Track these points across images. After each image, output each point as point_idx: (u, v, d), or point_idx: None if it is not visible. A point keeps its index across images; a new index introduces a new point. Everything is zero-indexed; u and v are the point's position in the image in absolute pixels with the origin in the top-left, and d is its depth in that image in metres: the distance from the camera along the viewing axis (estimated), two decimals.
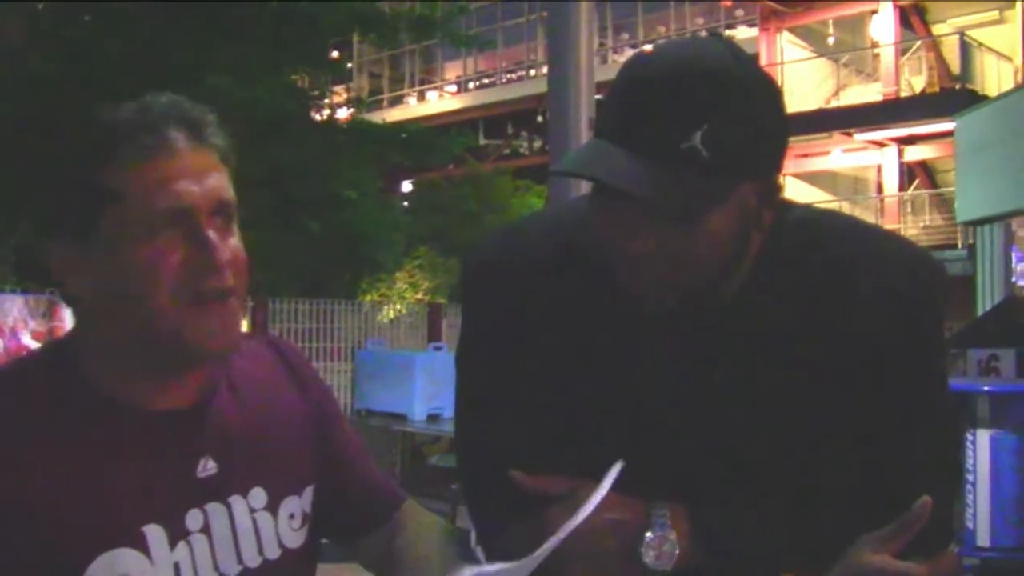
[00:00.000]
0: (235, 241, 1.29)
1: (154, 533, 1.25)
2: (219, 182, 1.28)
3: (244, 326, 1.35)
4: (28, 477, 1.20)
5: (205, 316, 1.25)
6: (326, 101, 17.45)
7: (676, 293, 1.31)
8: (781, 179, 1.34)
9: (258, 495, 1.37)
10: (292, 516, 1.40)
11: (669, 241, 1.26)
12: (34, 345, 8.15)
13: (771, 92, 1.29)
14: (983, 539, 3.14)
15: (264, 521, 1.36)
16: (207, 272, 1.24)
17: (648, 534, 1.32)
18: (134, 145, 1.23)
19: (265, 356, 1.50)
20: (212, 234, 1.25)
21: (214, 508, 1.32)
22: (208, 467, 1.32)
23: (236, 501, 1.34)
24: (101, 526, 1.22)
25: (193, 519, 1.29)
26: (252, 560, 1.34)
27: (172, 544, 1.27)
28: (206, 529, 1.30)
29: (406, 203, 27.08)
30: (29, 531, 1.19)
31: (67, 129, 1.29)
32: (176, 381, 1.31)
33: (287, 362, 1.51)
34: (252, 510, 1.35)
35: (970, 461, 3.17)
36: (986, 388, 3.51)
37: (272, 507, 1.38)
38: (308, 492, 1.43)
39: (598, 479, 1.34)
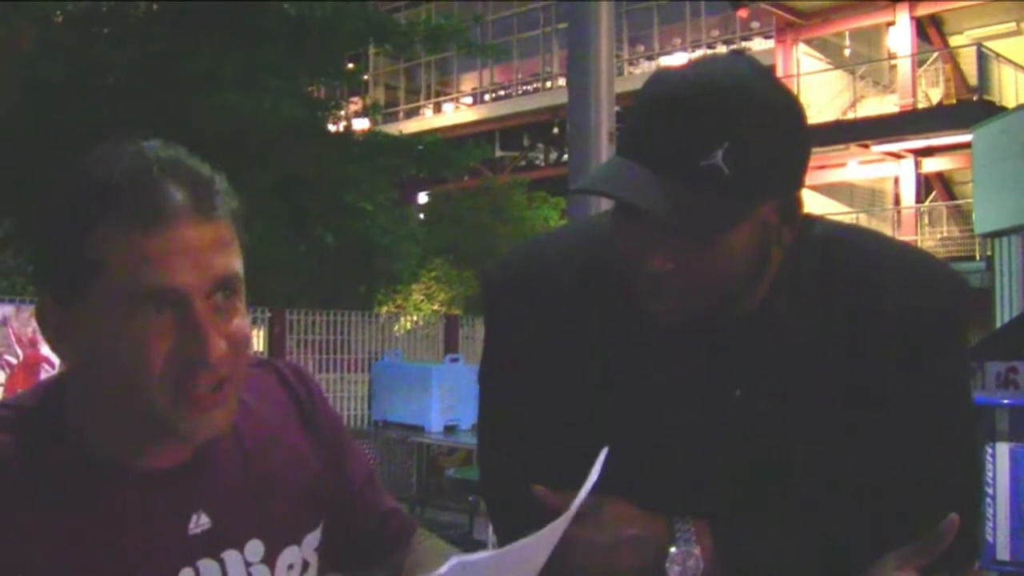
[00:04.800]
0: (237, 320, 1.16)
1: None
2: (222, 259, 1.13)
3: (260, 341, 1.26)
4: (6, 541, 1.11)
5: (196, 409, 1.14)
6: (341, 112, 17.49)
7: (693, 310, 1.31)
8: (801, 196, 1.34)
9: (255, 548, 1.28)
10: (291, 567, 1.32)
11: (688, 259, 1.26)
12: (52, 355, 8.18)
13: (793, 110, 1.29)
14: (1003, 552, 3.12)
15: (261, 575, 1.29)
16: (198, 368, 1.11)
17: (672, 549, 1.32)
18: (126, 210, 1.09)
19: (273, 391, 1.39)
20: (207, 323, 1.11)
21: (206, 565, 1.23)
22: (201, 522, 1.23)
23: (230, 556, 1.25)
24: None
25: None
26: None
27: None
28: None
29: (422, 215, 27.12)
30: None
31: (57, 183, 1.14)
32: (169, 446, 1.21)
33: (295, 395, 1.41)
34: (248, 564, 1.27)
35: (989, 474, 3.15)
36: (1005, 401, 3.49)
37: (269, 560, 1.29)
38: (310, 539, 1.36)
39: (620, 495, 1.34)
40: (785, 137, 1.27)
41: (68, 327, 1.15)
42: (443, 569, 1.02)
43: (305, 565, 1.35)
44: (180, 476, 1.22)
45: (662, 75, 1.30)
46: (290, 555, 1.32)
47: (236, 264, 1.16)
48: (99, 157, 1.13)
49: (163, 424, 1.14)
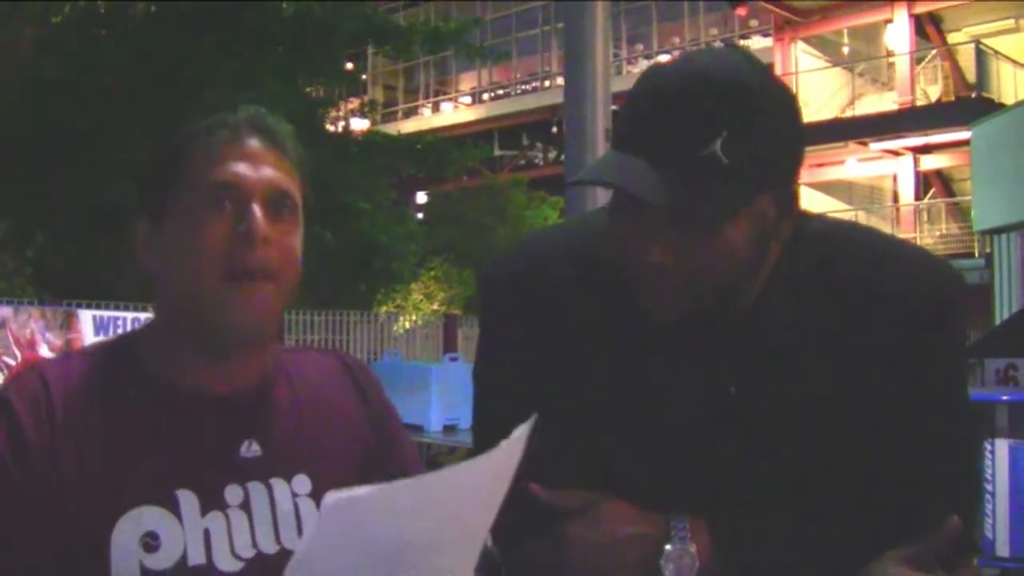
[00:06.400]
0: (290, 237, 1.35)
1: (186, 497, 1.30)
2: (280, 176, 1.35)
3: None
4: (67, 437, 1.27)
5: (234, 296, 1.30)
6: (340, 113, 17.49)
7: (692, 305, 1.30)
8: (799, 188, 1.33)
9: (302, 481, 1.39)
10: None
11: (687, 251, 1.25)
12: (51, 357, 8.18)
13: (788, 101, 1.29)
14: (1002, 549, 3.11)
15: (307, 507, 1.38)
16: (244, 248, 1.29)
17: (668, 546, 1.31)
18: (210, 131, 1.35)
19: (330, 366, 1.55)
20: (257, 211, 1.31)
21: (255, 487, 1.35)
22: (251, 449, 1.37)
23: (278, 483, 1.37)
24: (133, 486, 1.28)
25: (232, 494, 1.34)
26: (291, 542, 1.36)
27: (204, 511, 1.30)
28: (246, 506, 1.34)
29: (421, 214, 27.12)
30: (64, 490, 1.25)
31: (165, 131, 1.42)
32: (222, 366, 1.37)
33: (352, 374, 1.55)
34: (295, 495, 1.38)
35: (989, 471, 3.15)
36: (1005, 398, 3.48)
37: (316, 496, 1.38)
38: None
39: (616, 492, 1.34)
40: (781, 127, 1.27)
41: (153, 238, 1.36)
42: (321, 511, 1.00)
43: None
44: (233, 405, 1.37)
45: (656, 69, 1.30)
46: None
47: (293, 188, 1.37)
48: (206, 115, 1.39)
49: (203, 312, 1.30)
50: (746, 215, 1.26)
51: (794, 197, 1.32)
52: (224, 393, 1.37)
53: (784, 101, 1.28)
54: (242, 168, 1.33)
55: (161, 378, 1.35)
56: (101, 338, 8.14)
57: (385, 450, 1.52)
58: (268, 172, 1.34)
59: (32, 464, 1.25)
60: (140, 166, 1.42)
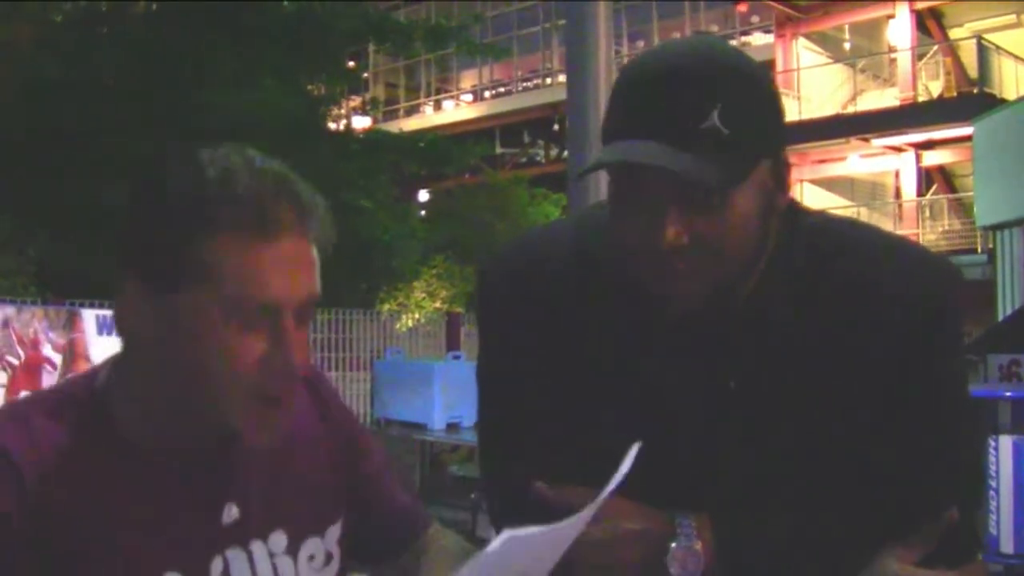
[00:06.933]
0: (306, 332, 1.24)
1: None
2: (311, 279, 1.22)
3: None
4: (49, 523, 1.15)
5: (262, 415, 1.21)
6: (341, 111, 17.47)
7: (708, 287, 1.30)
8: (788, 158, 1.35)
9: (278, 539, 1.34)
10: (312, 558, 1.38)
11: (701, 228, 1.26)
12: (54, 356, 8.18)
13: (760, 72, 1.32)
14: (1006, 545, 3.10)
15: (284, 566, 1.34)
16: (279, 375, 1.19)
17: (673, 544, 1.31)
18: (237, 219, 1.16)
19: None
20: (293, 338, 1.19)
21: (235, 554, 1.29)
22: (232, 513, 1.29)
23: (256, 546, 1.31)
24: (121, 574, 1.19)
25: (216, 567, 1.26)
26: None
27: None
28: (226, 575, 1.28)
29: (423, 212, 27.13)
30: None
31: (170, 181, 1.19)
32: (206, 434, 1.26)
33: (318, 396, 1.48)
34: (272, 554, 1.33)
35: (992, 467, 3.14)
36: (1008, 394, 3.47)
37: (292, 550, 1.35)
38: (332, 531, 1.41)
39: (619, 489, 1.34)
40: (764, 95, 1.30)
41: (149, 309, 1.18)
42: (495, 545, 1.01)
43: (328, 557, 1.40)
44: (211, 468, 1.28)
45: (635, 61, 1.32)
46: (312, 546, 1.38)
47: (318, 283, 1.24)
48: (212, 161, 1.19)
49: (224, 425, 1.20)
50: (750, 186, 1.27)
51: (786, 168, 1.34)
52: (202, 457, 1.27)
53: (758, 72, 1.31)
54: (281, 282, 1.18)
55: (140, 444, 1.23)
56: (104, 338, 8.14)
57: (353, 472, 1.48)
58: (304, 281, 1.21)
59: (19, 566, 1.14)
60: (137, 228, 1.21)
